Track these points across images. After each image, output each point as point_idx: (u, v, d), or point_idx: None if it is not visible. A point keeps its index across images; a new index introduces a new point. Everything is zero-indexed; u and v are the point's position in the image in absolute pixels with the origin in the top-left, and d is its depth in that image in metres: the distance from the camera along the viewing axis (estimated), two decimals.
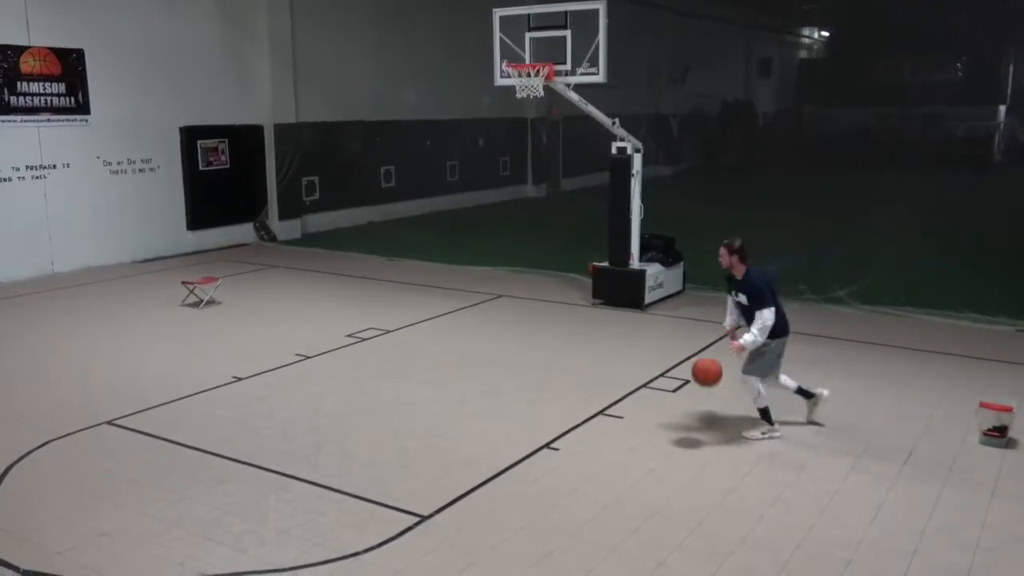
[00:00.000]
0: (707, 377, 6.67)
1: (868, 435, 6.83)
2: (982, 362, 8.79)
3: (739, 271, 6.72)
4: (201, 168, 15.93)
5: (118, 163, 14.62)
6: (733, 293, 6.89)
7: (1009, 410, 6.57)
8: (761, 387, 6.72)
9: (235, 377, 8.40)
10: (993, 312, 10.51)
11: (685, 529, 5.32)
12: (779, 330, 6.65)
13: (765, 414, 6.79)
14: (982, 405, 6.72)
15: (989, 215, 19.52)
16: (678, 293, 11.88)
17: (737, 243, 6.68)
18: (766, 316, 6.46)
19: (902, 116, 35.15)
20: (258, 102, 16.92)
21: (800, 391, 6.97)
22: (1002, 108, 36.22)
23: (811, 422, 7.03)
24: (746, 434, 6.83)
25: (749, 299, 6.66)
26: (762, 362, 6.71)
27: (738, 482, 5.98)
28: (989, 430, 6.59)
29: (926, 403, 7.54)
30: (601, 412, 7.38)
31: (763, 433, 6.79)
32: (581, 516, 5.50)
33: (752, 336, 6.51)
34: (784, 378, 6.95)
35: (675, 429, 7.00)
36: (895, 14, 29.78)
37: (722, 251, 6.73)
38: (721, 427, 7.02)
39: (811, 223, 18.24)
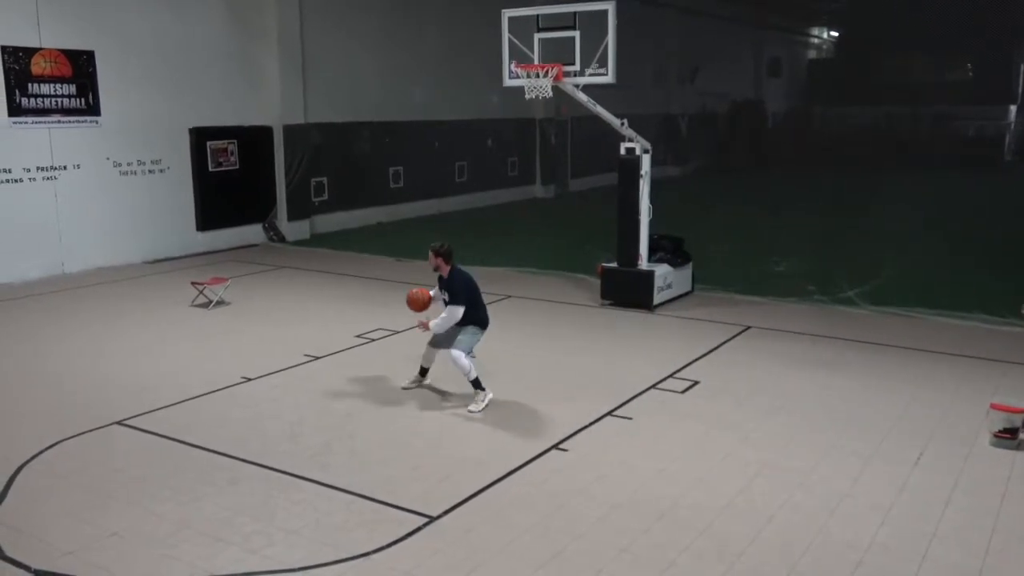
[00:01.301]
0: (415, 306, 7.70)
1: (878, 436, 6.80)
2: (992, 363, 8.75)
3: (444, 271, 7.60)
4: (211, 169, 15.98)
5: (128, 164, 14.68)
6: (441, 290, 7.70)
7: (1020, 411, 6.54)
8: (469, 363, 7.45)
9: (244, 377, 8.43)
10: (1004, 313, 10.46)
11: (695, 530, 5.31)
12: (482, 323, 7.66)
13: (477, 384, 7.50)
14: (993, 407, 6.69)
15: (1000, 215, 19.44)
16: (687, 294, 11.86)
17: (443, 247, 7.56)
18: (454, 311, 7.45)
19: (912, 116, 35.04)
20: (267, 103, 16.97)
21: (474, 382, 7.53)
22: (1013, 108, 36.07)
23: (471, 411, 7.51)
24: (471, 410, 7.41)
25: (448, 296, 7.54)
26: (467, 340, 7.52)
27: (748, 483, 5.97)
28: (1000, 432, 6.56)
29: (936, 404, 7.51)
30: (610, 413, 7.38)
31: (482, 401, 7.49)
32: (590, 517, 5.50)
33: (437, 321, 7.47)
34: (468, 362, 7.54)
35: (684, 430, 6.99)
36: (905, 14, 29.71)
37: (430, 253, 7.58)
38: (730, 428, 7.00)
39: (820, 223, 18.20)
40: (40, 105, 13.33)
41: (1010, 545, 5.14)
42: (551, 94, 10.67)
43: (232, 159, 16.40)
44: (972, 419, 7.08)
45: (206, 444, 6.74)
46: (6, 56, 12.85)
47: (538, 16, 10.82)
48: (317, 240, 17.54)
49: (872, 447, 6.59)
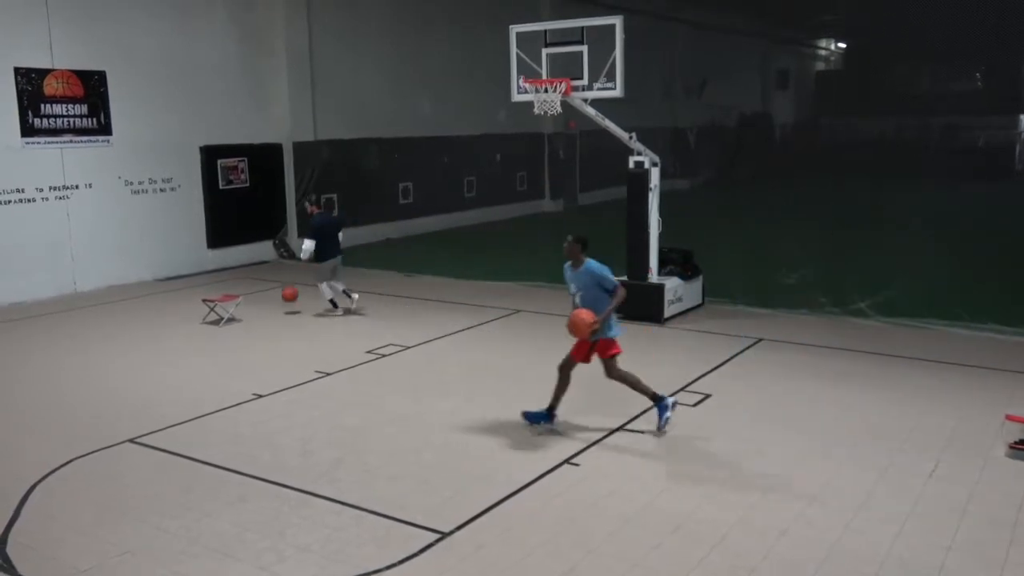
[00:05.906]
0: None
1: (891, 448, 6.75)
2: (1006, 374, 8.69)
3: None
4: (221, 187, 16.07)
5: (139, 183, 14.78)
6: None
7: None
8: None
9: (255, 394, 8.44)
10: (1016, 323, 10.39)
11: (707, 544, 5.28)
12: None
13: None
14: (1008, 418, 6.65)
15: (1011, 225, 19.33)
16: (697, 307, 11.83)
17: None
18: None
19: (921, 126, 34.96)
20: (277, 121, 17.08)
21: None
22: (1023, 117, 35.96)
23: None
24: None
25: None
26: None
27: (760, 497, 5.93)
28: (1015, 443, 6.51)
29: (950, 416, 7.46)
30: (621, 427, 7.35)
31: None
32: (602, 531, 5.47)
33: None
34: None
35: (696, 443, 6.96)
36: (913, 24, 29.68)
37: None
38: (742, 441, 6.97)
39: (830, 234, 18.14)
40: (52, 125, 13.45)
41: None
42: (560, 109, 10.69)
43: (242, 177, 16.49)
44: (987, 430, 7.02)
45: (217, 461, 6.75)
46: (19, 77, 12.98)
47: (546, 31, 10.86)
48: None
49: (886, 459, 6.54)
